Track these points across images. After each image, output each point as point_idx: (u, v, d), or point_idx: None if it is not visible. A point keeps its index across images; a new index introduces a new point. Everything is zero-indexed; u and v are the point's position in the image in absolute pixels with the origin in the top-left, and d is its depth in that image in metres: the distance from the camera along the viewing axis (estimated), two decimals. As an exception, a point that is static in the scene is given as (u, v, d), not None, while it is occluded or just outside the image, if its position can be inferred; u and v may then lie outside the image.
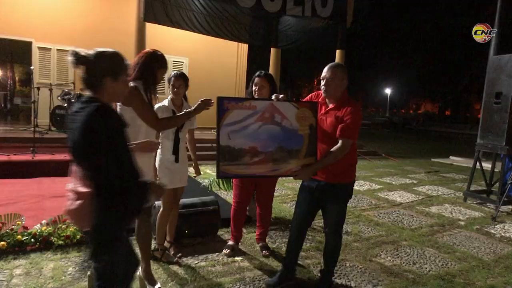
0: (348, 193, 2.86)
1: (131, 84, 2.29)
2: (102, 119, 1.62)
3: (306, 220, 2.96)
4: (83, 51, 1.70)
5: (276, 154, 2.51)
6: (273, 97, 2.60)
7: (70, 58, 1.69)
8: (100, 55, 1.72)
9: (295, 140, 2.53)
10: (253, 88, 3.31)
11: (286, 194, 5.86)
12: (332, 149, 2.60)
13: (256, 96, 3.25)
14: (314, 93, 2.96)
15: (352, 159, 2.80)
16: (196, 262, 3.29)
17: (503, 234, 4.58)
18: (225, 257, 3.43)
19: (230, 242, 3.60)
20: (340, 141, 2.60)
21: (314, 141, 2.58)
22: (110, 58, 1.75)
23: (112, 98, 1.83)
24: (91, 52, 1.72)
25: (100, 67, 1.71)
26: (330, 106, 2.73)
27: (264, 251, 3.54)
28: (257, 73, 3.34)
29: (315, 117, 2.58)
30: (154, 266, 3.09)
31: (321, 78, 2.72)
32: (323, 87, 2.71)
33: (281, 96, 2.61)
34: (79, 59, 1.69)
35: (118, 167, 1.65)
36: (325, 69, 2.70)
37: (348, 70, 2.75)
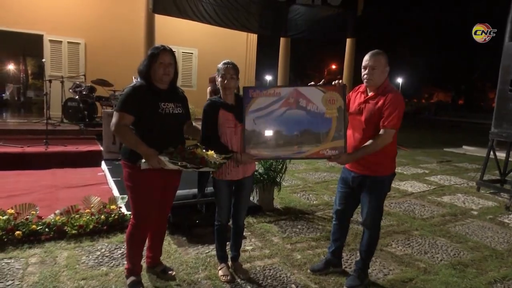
0: (385, 186, 2.73)
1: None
2: None
3: (345, 211, 2.94)
4: None
5: (302, 137, 2.56)
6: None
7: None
8: None
9: (322, 123, 2.54)
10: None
11: (296, 185, 5.85)
12: (374, 138, 2.54)
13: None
14: (357, 87, 2.83)
15: (390, 151, 2.67)
16: (207, 251, 3.32)
17: (517, 224, 4.52)
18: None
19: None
20: (382, 131, 2.53)
21: (343, 123, 2.54)
22: None
23: None
24: None
25: None
26: (370, 94, 2.65)
27: (169, 272, 2.87)
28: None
29: (344, 100, 2.54)
30: (164, 255, 3.13)
31: (362, 67, 2.65)
32: (365, 76, 2.63)
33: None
34: None
35: None
36: (367, 57, 2.63)
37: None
